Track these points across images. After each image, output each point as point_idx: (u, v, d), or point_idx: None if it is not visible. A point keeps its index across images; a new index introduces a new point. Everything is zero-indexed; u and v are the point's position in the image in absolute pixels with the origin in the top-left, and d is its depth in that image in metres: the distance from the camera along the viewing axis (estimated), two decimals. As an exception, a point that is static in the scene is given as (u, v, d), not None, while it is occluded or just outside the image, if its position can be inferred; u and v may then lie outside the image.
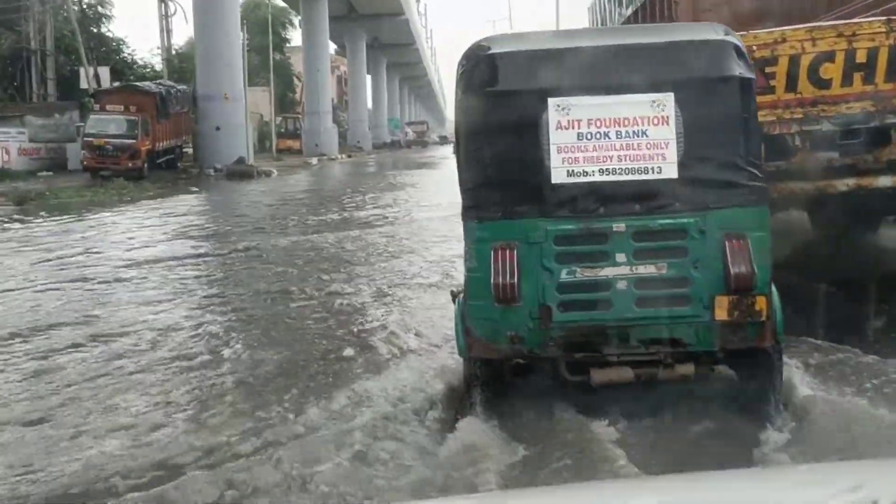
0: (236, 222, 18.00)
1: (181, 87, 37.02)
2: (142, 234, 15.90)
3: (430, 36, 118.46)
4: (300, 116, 59.69)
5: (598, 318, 4.73)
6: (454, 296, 5.62)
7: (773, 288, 4.79)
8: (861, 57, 7.05)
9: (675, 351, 4.78)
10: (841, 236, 8.04)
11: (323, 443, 4.93)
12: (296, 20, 65.03)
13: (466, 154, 4.96)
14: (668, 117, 4.70)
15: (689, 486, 1.98)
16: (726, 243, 4.61)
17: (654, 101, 4.72)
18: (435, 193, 24.29)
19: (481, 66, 4.87)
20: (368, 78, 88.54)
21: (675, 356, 4.80)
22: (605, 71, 4.83)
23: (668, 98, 4.71)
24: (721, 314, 4.65)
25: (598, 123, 4.72)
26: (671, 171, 4.70)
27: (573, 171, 4.72)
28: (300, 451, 4.82)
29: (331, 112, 57.46)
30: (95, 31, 45.75)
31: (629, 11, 19.41)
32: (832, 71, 7.10)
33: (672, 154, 4.70)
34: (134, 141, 31.19)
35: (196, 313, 8.98)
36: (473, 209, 4.88)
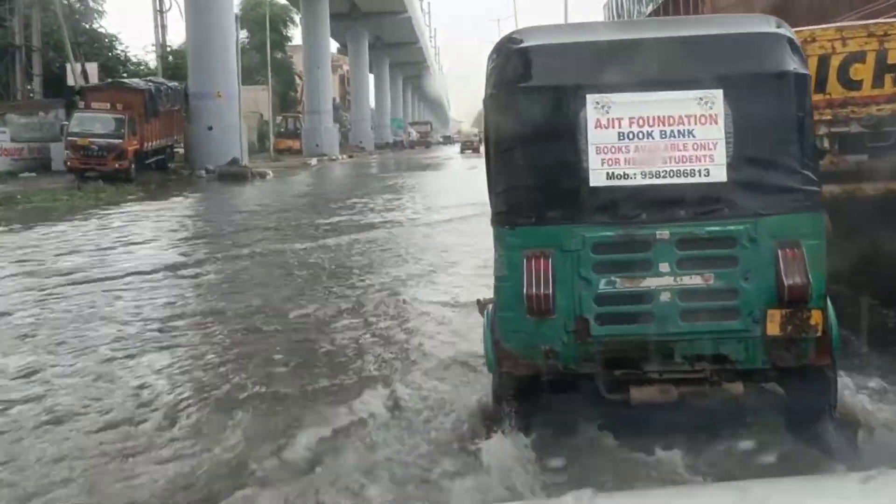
0: (210, 233, 16.30)
1: (172, 84, 35.18)
2: (94, 248, 13.94)
3: (433, 35, 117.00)
4: (301, 116, 57.88)
5: (640, 333, 4.40)
6: (481, 306, 5.38)
7: (829, 300, 4.44)
8: (893, 58, 6.84)
9: (722, 368, 4.45)
10: (864, 241, 7.58)
11: (349, 462, 4.67)
12: (297, 18, 63.27)
13: (497, 155, 4.63)
14: (716, 115, 4.38)
15: (739, 495, 1.94)
16: (779, 252, 4.29)
17: (701, 98, 4.39)
18: (437, 195, 22.59)
19: (513, 61, 4.53)
20: (372, 78, 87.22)
21: (723, 374, 4.47)
22: (648, 65, 4.46)
23: (717, 95, 4.39)
24: (773, 329, 4.33)
25: (641, 122, 4.41)
26: (720, 174, 4.38)
27: (613, 173, 4.40)
28: (327, 475, 4.55)
29: (331, 111, 55.60)
30: (88, 26, 44.13)
31: (649, 9, 18.04)
32: (863, 72, 6.95)
33: (721, 155, 4.38)
34: (120, 141, 29.43)
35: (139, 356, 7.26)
36: (505, 214, 4.54)
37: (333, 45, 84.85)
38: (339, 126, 77.80)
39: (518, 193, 4.54)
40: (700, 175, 4.37)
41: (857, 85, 6.96)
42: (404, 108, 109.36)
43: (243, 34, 77.33)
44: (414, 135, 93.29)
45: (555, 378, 4.56)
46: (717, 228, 4.35)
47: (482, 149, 6.40)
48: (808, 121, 4.50)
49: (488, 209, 4.64)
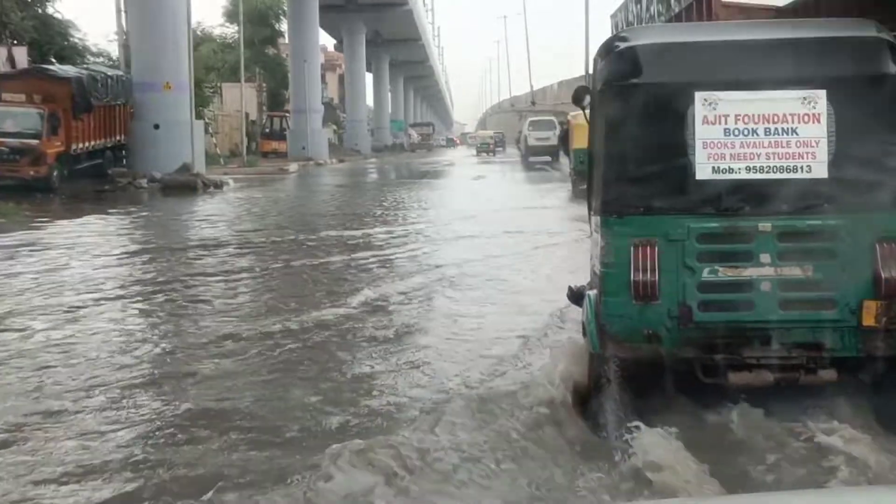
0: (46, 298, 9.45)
1: (115, 72, 28.60)
2: None
3: (437, 34, 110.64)
4: (289, 115, 51.19)
5: (740, 320, 4.50)
6: (574, 293, 5.38)
7: None
8: None
9: (817, 356, 4.52)
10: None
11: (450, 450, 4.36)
12: (292, 12, 56.70)
13: (607, 147, 4.75)
14: (819, 115, 4.49)
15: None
16: (877, 247, 4.39)
17: (805, 98, 4.50)
18: (432, 226, 16.00)
19: (625, 58, 4.65)
20: (370, 77, 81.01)
21: (818, 361, 4.53)
22: (754, 65, 4.58)
23: (820, 95, 4.49)
24: (868, 320, 4.41)
25: (746, 119, 4.51)
26: (821, 171, 4.49)
27: (719, 167, 4.53)
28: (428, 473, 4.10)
29: (320, 110, 48.82)
30: (40, 10, 37.73)
31: (662, 21, 16.84)
32: None
33: (822, 153, 4.50)
34: (38, 142, 23.00)
35: None
36: (613, 203, 4.63)
37: (330, 42, 78.87)
38: (336, 128, 72.04)
39: (626, 184, 4.60)
40: (802, 171, 4.48)
41: None
42: (405, 110, 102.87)
43: (233, 29, 72.15)
44: (415, 137, 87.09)
45: (654, 362, 4.53)
46: (817, 223, 4.43)
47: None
48: None
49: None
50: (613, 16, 21.46)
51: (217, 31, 72.44)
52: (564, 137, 23.18)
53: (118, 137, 27.60)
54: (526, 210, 18.60)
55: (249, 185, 27.55)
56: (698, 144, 4.47)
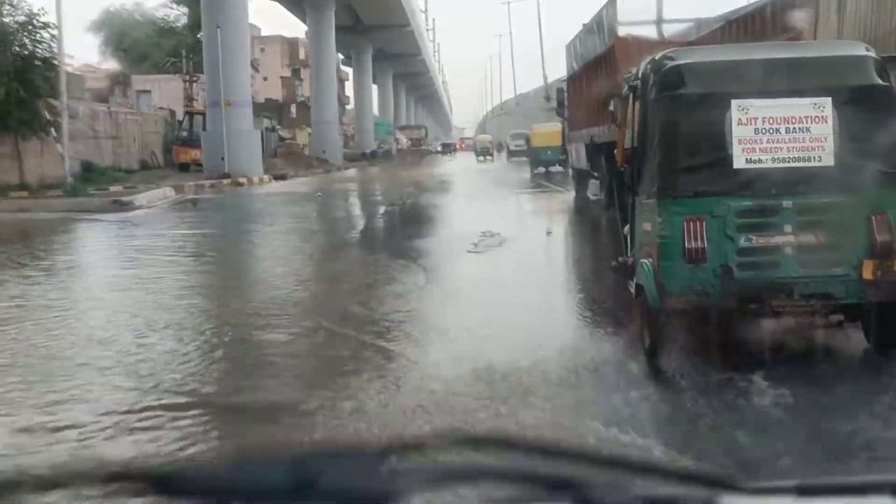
0: None
1: None
2: None
3: (430, 27, 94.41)
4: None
5: (769, 277, 5.48)
6: (620, 265, 6.71)
7: None
8: None
9: (828, 303, 5.53)
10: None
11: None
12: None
13: (662, 145, 5.76)
14: (826, 117, 5.52)
15: None
16: (872, 218, 5.42)
17: (815, 104, 5.55)
18: None
19: (674, 74, 5.77)
20: (350, 72, 65.22)
21: (828, 308, 5.56)
22: (776, 79, 5.66)
23: (827, 102, 5.54)
24: (867, 274, 5.40)
25: (771, 121, 5.53)
26: (829, 160, 5.52)
27: (751, 158, 5.54)
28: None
29: (249, 105, 32.12)
30: None
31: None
32: None
33: (829, 146, 5.52)
34: None
35: None
36: (669, 189, 5.64)
37: (303, 30, 62.90)
38: (311, 132, 56.72)
39: (678, 173, 5.67)
40: (814, 161, 5.54)
41: None
42: (396, 112, 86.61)
43: (178, 11, 56.91)
44: (404, 142, 71.16)
45: (701, 311, 5.52)
46: (827, 200, 5.47)
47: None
48: (894, 123, 5.47)
49: None
50: (568, 46, 21.03)
51: (160, 14, 57.32)
52: (527, 140, 37.87)
53: None
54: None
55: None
56: (734, 141, 5.51)
